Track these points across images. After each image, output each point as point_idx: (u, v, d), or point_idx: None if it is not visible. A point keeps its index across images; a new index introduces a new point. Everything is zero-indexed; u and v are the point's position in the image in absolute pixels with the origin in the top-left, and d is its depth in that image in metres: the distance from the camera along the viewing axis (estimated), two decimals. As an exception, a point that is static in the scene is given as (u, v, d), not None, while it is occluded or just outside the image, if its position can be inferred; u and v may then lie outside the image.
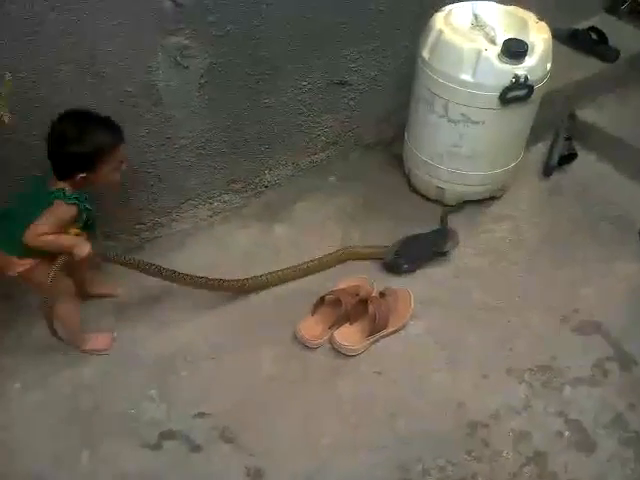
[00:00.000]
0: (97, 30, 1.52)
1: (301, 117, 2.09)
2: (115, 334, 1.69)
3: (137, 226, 1.92)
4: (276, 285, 1.84)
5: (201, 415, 1.54)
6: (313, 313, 1.75)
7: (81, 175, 1.42)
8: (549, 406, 1.59)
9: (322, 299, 1.75)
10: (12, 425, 1.50)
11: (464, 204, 2.12)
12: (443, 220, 2.07)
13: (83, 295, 1.76)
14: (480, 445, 1.50)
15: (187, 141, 1.86)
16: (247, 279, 1.78)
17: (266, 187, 2.16)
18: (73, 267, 1.57)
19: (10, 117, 1.23)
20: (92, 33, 1.52)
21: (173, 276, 1.64)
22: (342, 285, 1.81)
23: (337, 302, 1.73)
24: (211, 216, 2.05)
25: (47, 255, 1.45)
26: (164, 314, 1.75)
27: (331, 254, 1.90)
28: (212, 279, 1.70)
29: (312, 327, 1.72)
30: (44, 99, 1.53)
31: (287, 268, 1.85)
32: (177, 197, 1.97)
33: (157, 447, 1.48)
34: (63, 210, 1.43)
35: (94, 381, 1.60)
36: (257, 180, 2.12)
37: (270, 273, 1.82)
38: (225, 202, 2.07)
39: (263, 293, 1.83)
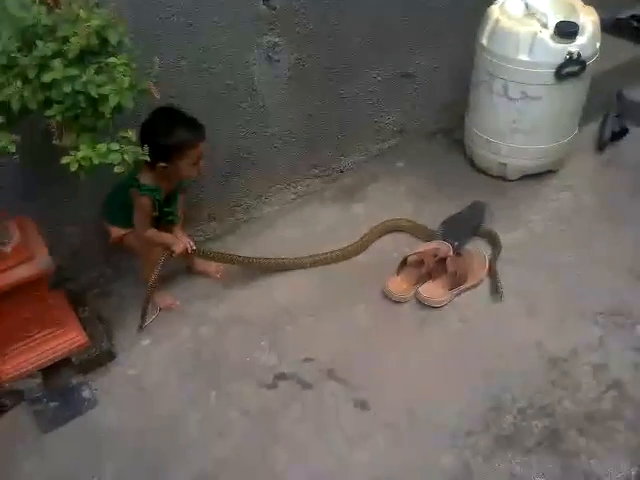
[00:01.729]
0: (206, 31, 1.78)
1: (371, 107, 2.31)
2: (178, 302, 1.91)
3: (234, 208, 2.17)
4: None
5: (308, 360, 1.74)
6: (398, 273, 1.94)
7: (161, 164, 1.61)
8: (623, 342, 1.74)
9: (405, 260, 1.94)
10: (147, 374, 1.73)
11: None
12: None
13: (189, 270, 2.01)
14: (562, 376, 1.66)
15: (275, 129, 2.11)
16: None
17: (341, 172, 2.38)
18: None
19: (159, 92, 1.43)
20: (202, 34, 1.78)
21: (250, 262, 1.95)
22: (421, 249, 2.00)
23: (419, 262, 1.93)
24: (295, 199, 2.29)
25: (131, 225, 1.71)
26: (264, 280, 1.98)
27: (380, 224, 2.12)
28: (276, 259, 1.98)
29: (399, 284, 1.91)
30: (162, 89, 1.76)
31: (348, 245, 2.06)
32: (266, 182, 2.21)
33: (273, 386, 1.68)
34: (140, 202, 1.65)
35: (210, 337, 1.82)
36: (334, 165, 2.35)
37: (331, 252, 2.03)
38: (307, 186, 2.31)
39: (345, 262, 2.04)
